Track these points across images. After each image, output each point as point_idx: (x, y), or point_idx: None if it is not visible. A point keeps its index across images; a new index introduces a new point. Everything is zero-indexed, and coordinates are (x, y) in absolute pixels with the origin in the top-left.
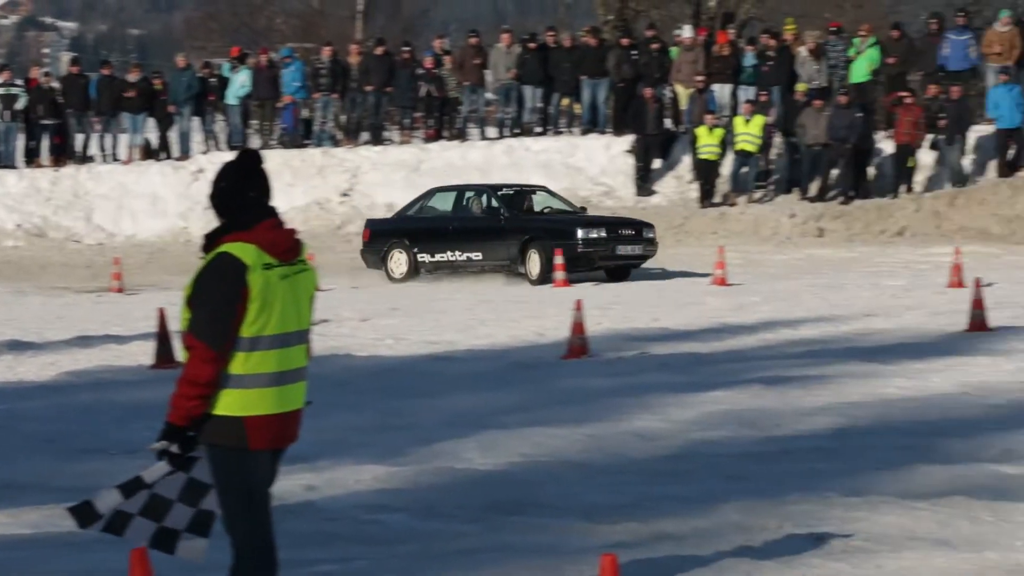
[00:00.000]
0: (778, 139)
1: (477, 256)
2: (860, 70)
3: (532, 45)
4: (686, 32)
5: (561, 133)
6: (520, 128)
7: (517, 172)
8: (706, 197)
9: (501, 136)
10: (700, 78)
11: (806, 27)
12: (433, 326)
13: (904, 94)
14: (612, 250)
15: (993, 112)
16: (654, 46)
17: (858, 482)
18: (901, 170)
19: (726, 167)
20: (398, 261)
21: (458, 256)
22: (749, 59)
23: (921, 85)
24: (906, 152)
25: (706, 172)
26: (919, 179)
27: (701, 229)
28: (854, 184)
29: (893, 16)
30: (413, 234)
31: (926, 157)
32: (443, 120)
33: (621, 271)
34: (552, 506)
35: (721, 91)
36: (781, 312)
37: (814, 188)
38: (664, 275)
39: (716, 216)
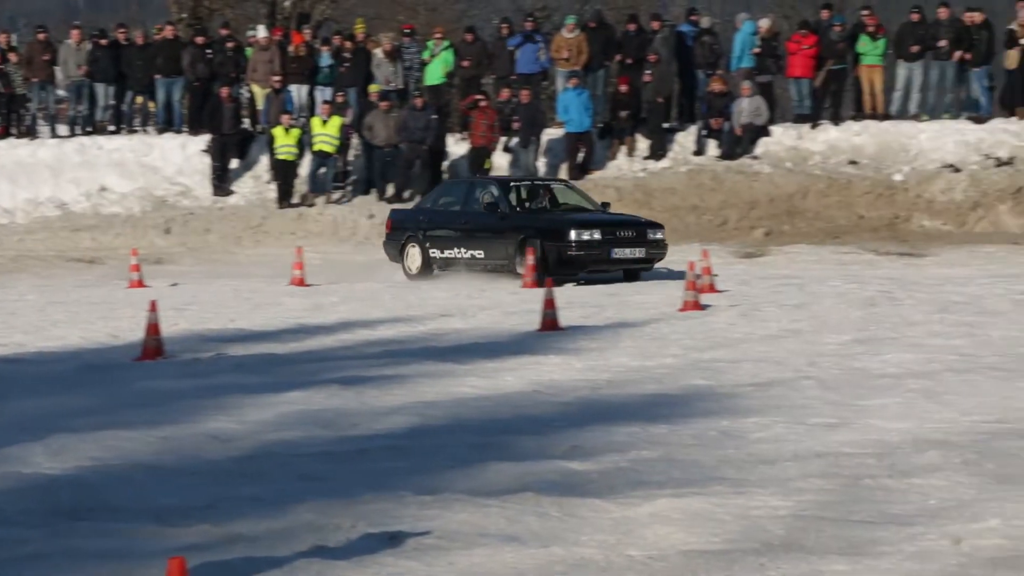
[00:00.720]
0: (356, 140)
1: (480, 254)
2: (435, 73)
3: (103, 42)
4: (260, 32)
5: (136, 132)
6: (93, 126)
7: (90, 171)
8: (284, 198)
9: (73, 134)
10: (276, 78)
11: (381, 29)
12: (1, 327)
13: (479, 97)
14: (606, 253)
15: (563, 116)
16: (229, 45)
17: (431, 480)
18: (476, 172)
19: (304, 168)
20: (413, 256)
21: (463, 253)
22: (325, 60)
23: (495, 88)
24: (482, 154)
25: (284, 172)
26: None
27: (280, 229)
28: (430, 185)
29: (466, 20)
30: (426, 228)
31: (501, 159)
32: (11, 117)
33: (630, 272)
34: (122, 509)
35: (298, 91)
36: (359, 313)
37: (391, 189)
38: (242, 276)
39: (294, 216)
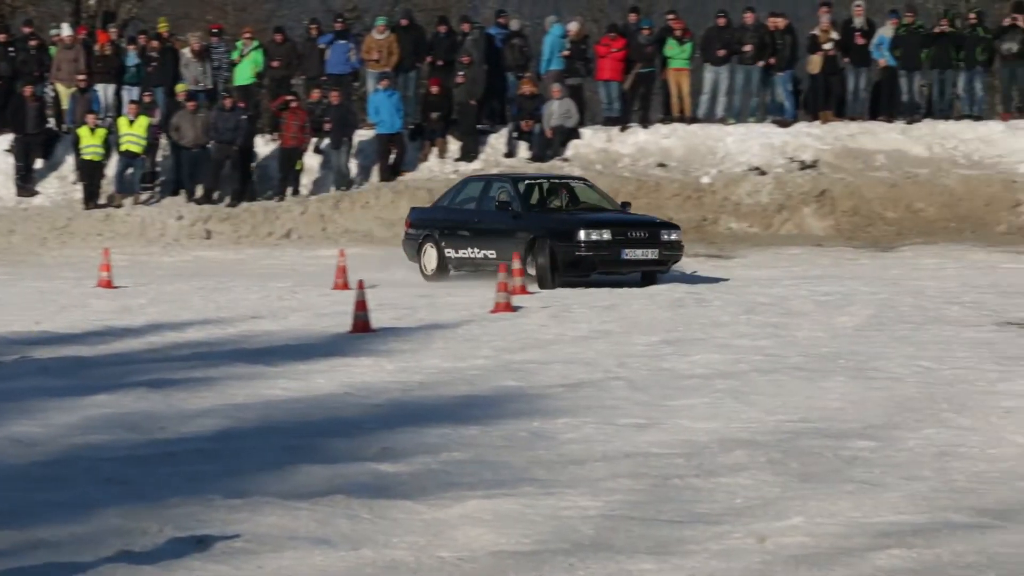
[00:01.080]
0: (164, 140)
1: (492, 254)
2: (244, 73)
3: None
4: (65, 30)
5: None
6: None
7: None
8: (91, 198)
9: None
10: (82, 77)
11: (190, 28)
12: None
13: (290, 98)
14: (616, 254)
15: (374, 117)
16: (33, 43)
17: (241, 483)
18: (287, 173)
19: (111, 168)
20: (429, 256)
21: (477, 253)
22: (132, 59)
23: (305, 89)
24: (293, 155)
25: (90, 173)
26: (305, 182)
27: (86, 231)
28: (241, 187)
29: (276, 20)
30: (442, 227)
31: (312, 160)
32: None
33: (648, 274)
34: None
35: (104, 91)
36: (168, 315)
37: (199, 191)
38: (48, 277)
39: (101, 217)
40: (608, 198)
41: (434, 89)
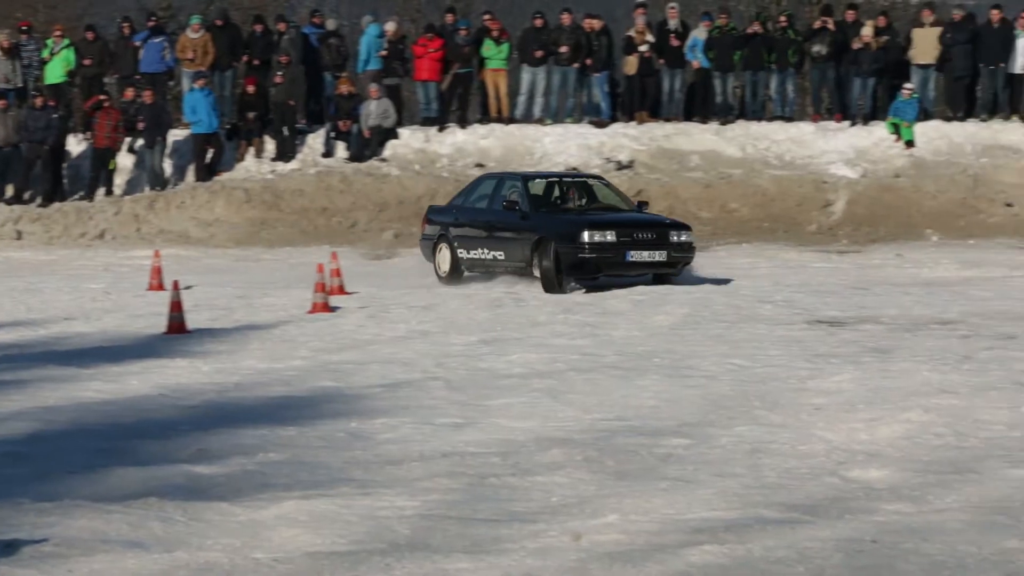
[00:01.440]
0: None
1: (501, 255)
2: (55, 71)
3: None
4: None
5: None
6: None
7: None
8: None
9: None
10: None
11: None
12: None
13: (103, 97)
14: (621, 256)
15: (191, 116)
16: None
17: (52, 487)
18: (100, 173)
19: None
20: (444, 257)
21: (487, 255)
22: None
23: (118, 88)
24: (106, 155)
25: None
26: (119, 182)
27: None
28: (52, 187)
29: (87, 18)
30: (455, 227)
31: (126, 160)
32: None
33: (660, 276)
34: None
35: None
36: None
37: (10, 190)
38: None
39: None
40: (624, 197)
41: (250, 89)
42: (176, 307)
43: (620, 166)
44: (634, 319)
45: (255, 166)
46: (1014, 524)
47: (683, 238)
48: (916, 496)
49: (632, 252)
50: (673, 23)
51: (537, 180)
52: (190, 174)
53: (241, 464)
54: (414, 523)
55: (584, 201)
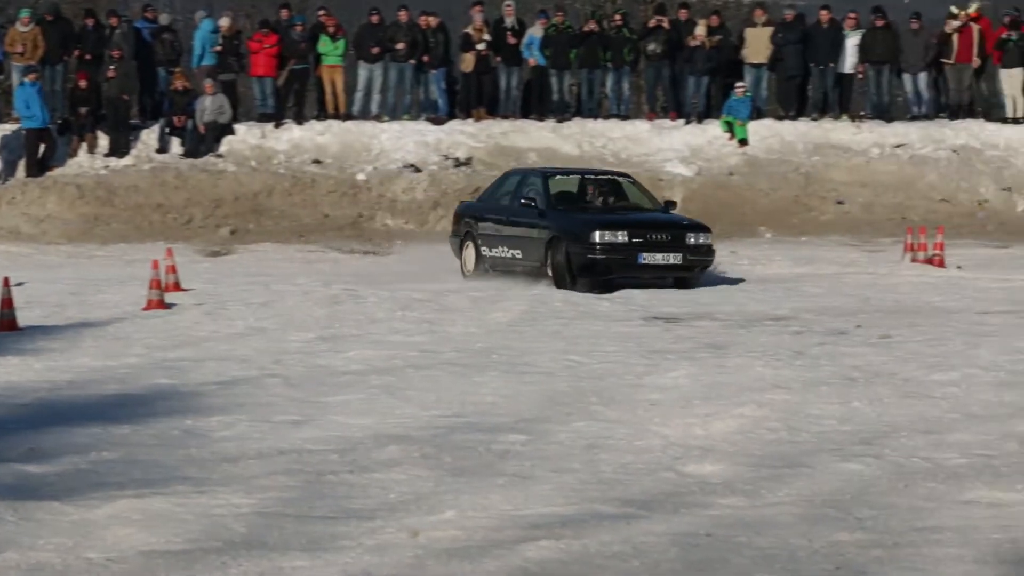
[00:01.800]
0: None
1: (519, 254)
2: None
3: None
4: None
5: None
6: None
7: None
8: None
9: None
10: None
11: None
12: None
13: None
14: (632, 258)
15: (24, 111)
16: None
17: None
18: None
19: None
20: (468, 255)
21: (506, 253)
22: None
23: None
24: None
25: None
26: None
27: None
28: None
29: None
30: (479, 223)
31: None
32: None
33: (680, 280)
34: None
35: None
36: None
37: None
38: None
39: None
40: (650, 196)
41: (82, 83)
42: (7, 304)
43: (458, 163)
44: (472, 316)
45: (88, 162)
46: (844, 517)
47: (701, 240)
48: (749, 490)
49: (644, 254)
50: (510, 21)
51: (558, 177)
52: (20, 169)
53: (74, 463)
54: (250, 521)
55: (606, 200)
